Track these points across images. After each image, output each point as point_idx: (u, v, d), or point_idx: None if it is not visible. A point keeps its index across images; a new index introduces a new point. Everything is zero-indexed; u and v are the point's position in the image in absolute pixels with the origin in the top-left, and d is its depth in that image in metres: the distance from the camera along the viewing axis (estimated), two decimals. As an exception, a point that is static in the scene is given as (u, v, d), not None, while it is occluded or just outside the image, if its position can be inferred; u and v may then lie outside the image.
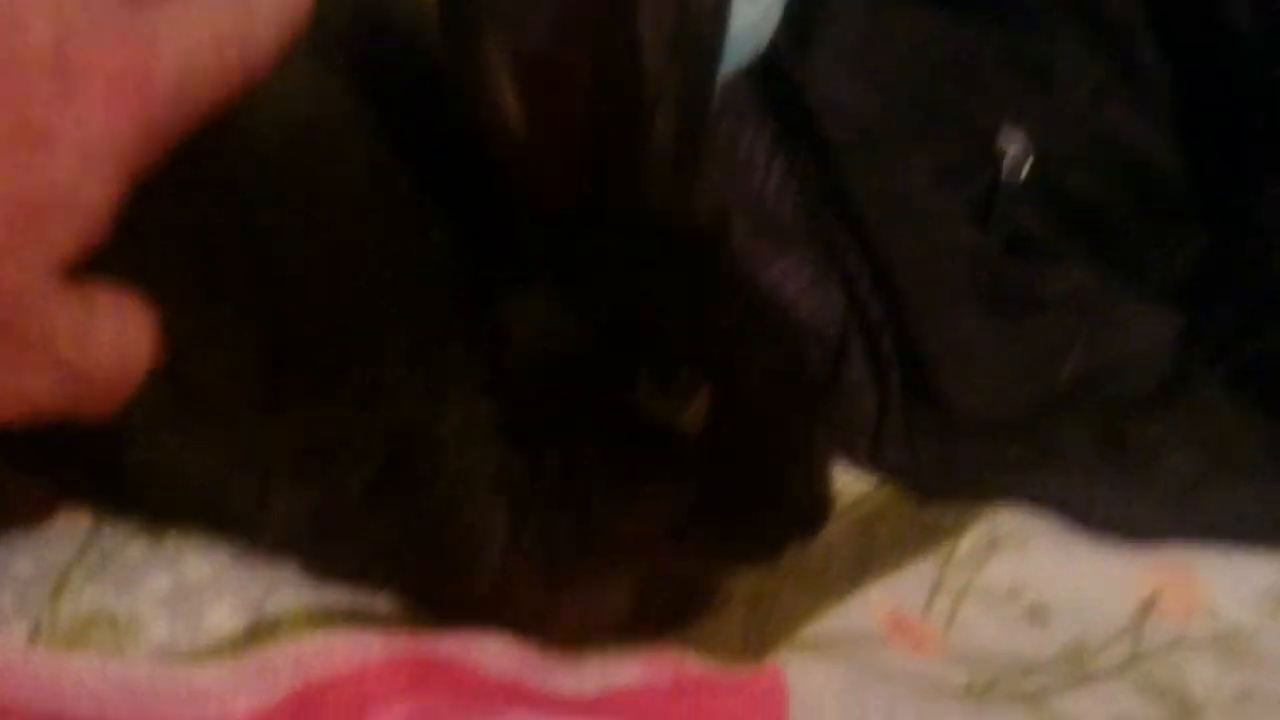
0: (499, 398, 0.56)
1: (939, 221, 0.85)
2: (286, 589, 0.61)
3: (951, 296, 0.84)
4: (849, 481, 0.82)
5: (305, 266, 0.55)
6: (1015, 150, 0.88)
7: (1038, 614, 0.75)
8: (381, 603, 0.63)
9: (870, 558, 0.76)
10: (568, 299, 0.56)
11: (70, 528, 0.62)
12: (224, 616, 0.60)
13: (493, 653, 0.62)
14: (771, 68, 0.86)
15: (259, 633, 0.59)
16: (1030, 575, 0.77)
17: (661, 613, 0.67)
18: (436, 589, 0.61)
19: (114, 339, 0.49)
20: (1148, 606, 0.76)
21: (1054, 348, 0.85)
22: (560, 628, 0.63)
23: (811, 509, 0.60)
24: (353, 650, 0.60)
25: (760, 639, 0.69)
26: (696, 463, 0.57)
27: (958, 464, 0.83)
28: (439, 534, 0.58)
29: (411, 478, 0.56)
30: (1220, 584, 0.78)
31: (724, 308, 0.59)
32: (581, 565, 0.59)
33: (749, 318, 0.59)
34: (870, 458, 0.82)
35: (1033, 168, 0.88)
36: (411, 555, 0.59)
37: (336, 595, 0.62)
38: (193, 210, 0.54)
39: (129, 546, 0.62)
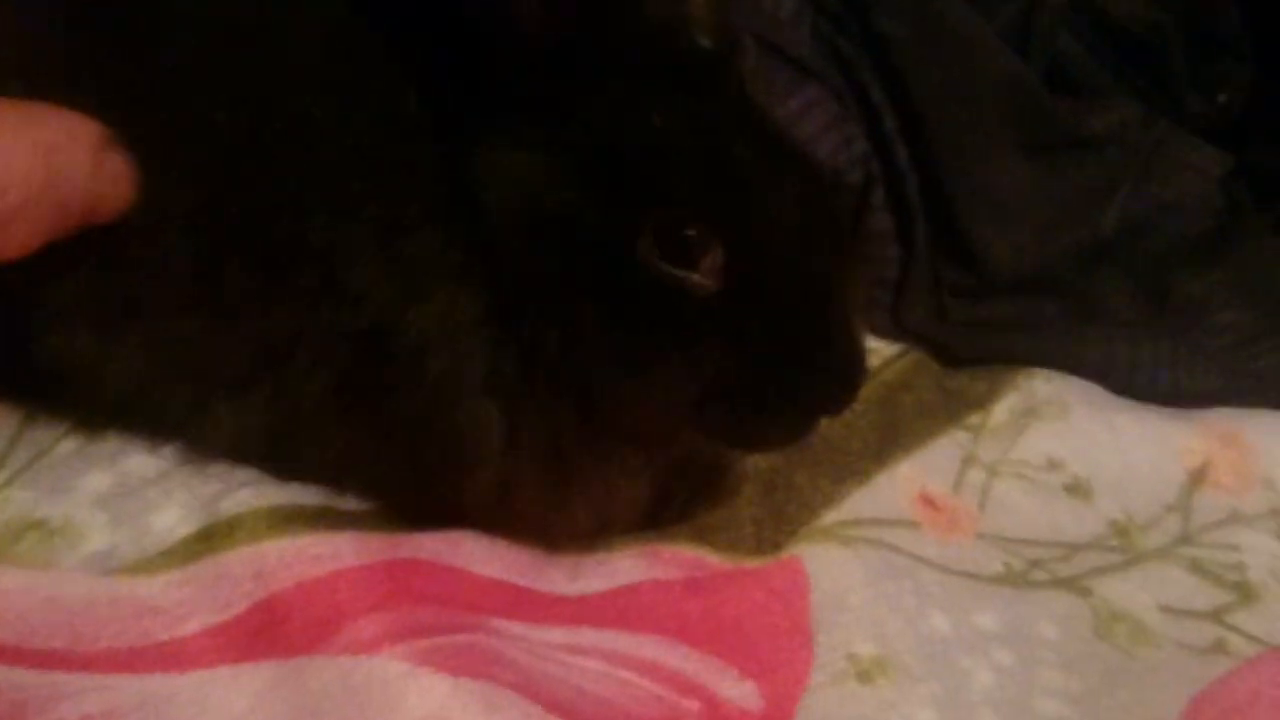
0: (481, 278, 0.49)
1: (974, 46, 0.75)
2: (244, 487, 0.54)
3: (986, 133, 0.75)
4: (871, 348, 0.74)
5: (246, 132, 0.48)
6: (1056, -34, 0.78)
7: (1079, 489, 0.69)
8: (354, 500, 0.56)
9: (896, 431, 0.69)
10: (549, 143, 0.49)
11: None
12: (173, 519, 0.53)
13: (480, 553, 0.56)
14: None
15: (214, 537, 0.52)
16: (1069, 447, 0.71)
17: (682, 501, 0.60)
18: (424, 499, 0.55)
19: None
20: (1197, 479, 0.70)
21: (1097, 191, 0.78)
22: (571, 531, 0.56)
23: (846, 373, 0.53)
24: (322, 555, 0.53)
25: (776, 529, 0.62)
26: (712, 329, 0.50)
27: (989, 325, 0.76)
28: (422, 443, 0.51)
29: (383, 383, 0.49)
30: (1275, 452, 0.72)
31: (734, 146, 0.51)
32: (591, 459, 0.53)
33: (764, 157, 0.52)
34: (893, 318, 0.75)
35: (1073, -11, 0.79)
36: (392, 465, 0.53)
37: (302, 492, 0.55)
38: (120, 56, 0.47)
39: (62, 443, 0.54)
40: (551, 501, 0.54)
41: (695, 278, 0.49)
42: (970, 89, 0.75)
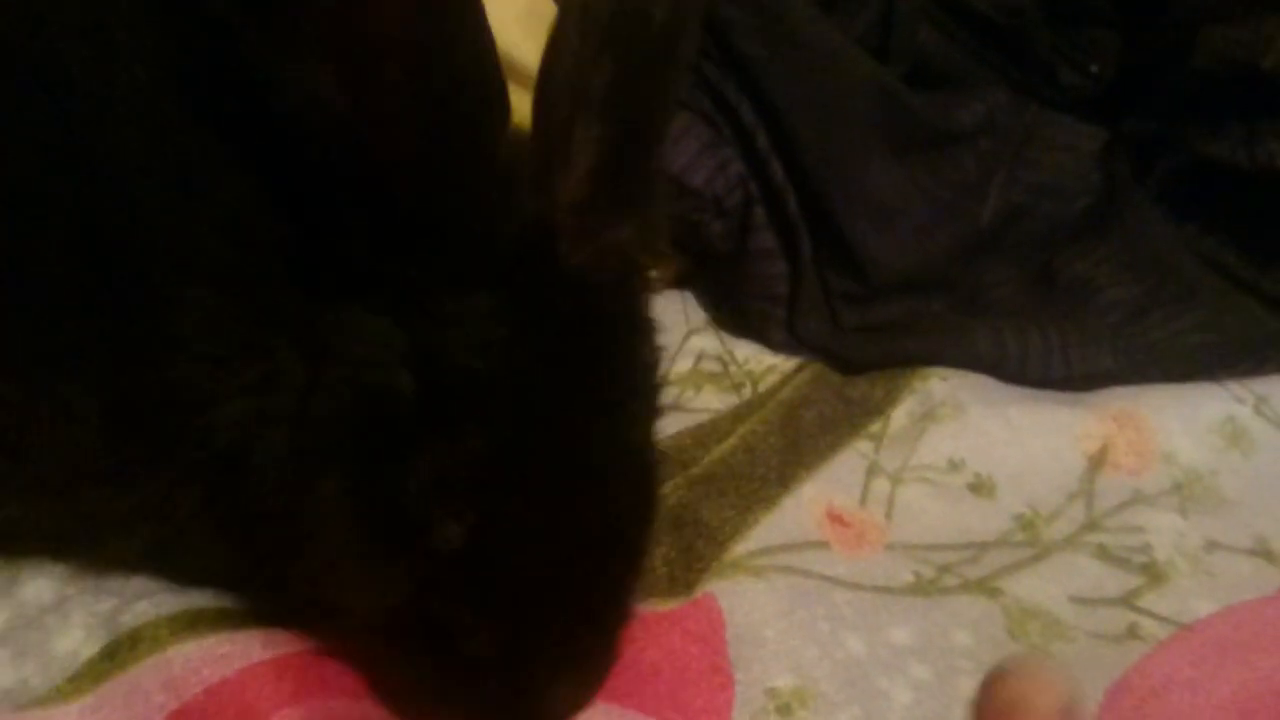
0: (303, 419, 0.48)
1: (833, 55, 0.77)
2: (141, 599, 0.55)
3: (855, 140, 0.77)
4: (768, 366, 0.77)
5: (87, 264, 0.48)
6: (909, -38, 0.80)
7: (981, 487, 0.71)
8: (256, 598, 0.57)
9: (799, 450, 0.71)
10: (397, 327, 0.48)
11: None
12: (76, 642, 0.54)
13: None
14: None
15: (118, 653, 0.53)
16: (968, 446, 0.73)
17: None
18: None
19: None
20: (1097, 463, 0.73)
21: (972, 184, 0.80)
22: None
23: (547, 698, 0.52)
24: (230, 653, 0.54)
25: (688, 567, 0.64)
26: (432, 584, 0.49)
27: (881, 328, 0.78)
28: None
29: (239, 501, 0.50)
30: (1171, 425, 0.75)
31: (562, 420, 0.49)
32: None
33: (593, 427, 0.50)
34: (788, 332, 0.77)
35: (929, -18, 0.80)
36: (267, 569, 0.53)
37: (202, 595, 0.56)
38: None
39: (-50, 581, 0.55)
40: None
41: (441, 530, 0.48)
42: (833, 99, 0.77)
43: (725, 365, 0.77)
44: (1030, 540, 0.69)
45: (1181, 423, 0.75)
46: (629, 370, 0.53)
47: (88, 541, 0.55)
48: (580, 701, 0.53)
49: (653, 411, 0.55)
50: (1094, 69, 0.88)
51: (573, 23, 0.45)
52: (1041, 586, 0.66)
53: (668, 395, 0.73)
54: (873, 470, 0.71)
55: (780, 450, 0.71)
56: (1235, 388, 0.77)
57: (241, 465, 0.48)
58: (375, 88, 0.43)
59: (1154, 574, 0.67)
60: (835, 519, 0.68)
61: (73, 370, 0.49)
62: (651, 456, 0.54)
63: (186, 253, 0.48)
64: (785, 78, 0.75)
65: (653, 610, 0.61)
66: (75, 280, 0.48)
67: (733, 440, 0.72)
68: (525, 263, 0.48)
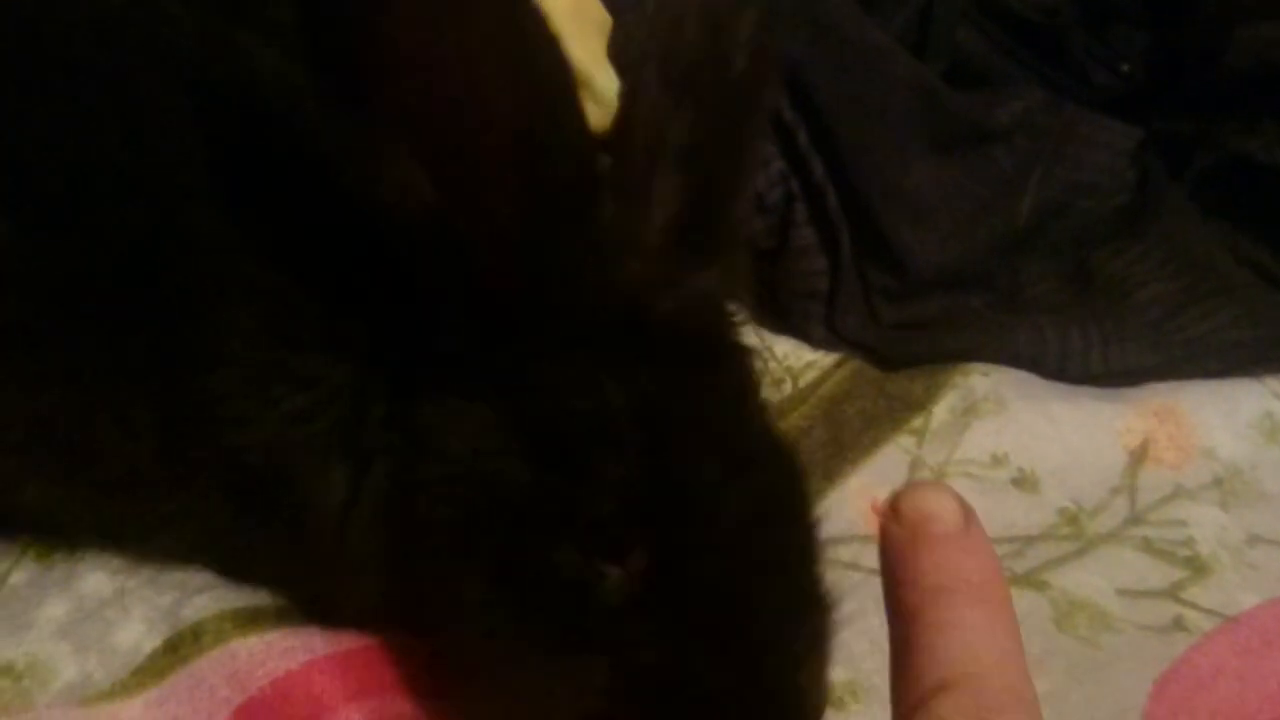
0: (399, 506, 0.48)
1: (872, 53, 0.78)
2: (201, 593, 0.56)
3: (894, 138, 0.78)
4: (808, 362, 0.77)
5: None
6: (947, -39, 0.81)
7: (1025, 481, 0.72)
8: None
9: (842, 445, 0.72)
10: (498, 402, 0.47)
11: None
12: (138, 635, 0.54)
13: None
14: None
15: (181, 646, 0.54)
16: (1012, 440, 0.73)
17: None
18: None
19: None
20: (1139, 458, 0.73)
21: (1011, 180, 0.80)
22: None
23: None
24: (293, 647, 0.54)
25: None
26: (615, 639, 0.47)
27: (920, 325, 0.78)
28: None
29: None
30: (1210, 420, 0.75)
31: (686, 443, 0.48)
32: None
33: (719, 456, 0.48)
34: (827, 329, 0.78)
35: (966, -18, 0.81)
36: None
37: (262, 594, 0.56)
38: None
39: (14, 574, 0.56)
40: None
41: (610, 577, 0.46)
42: (873, 96, 0.77)
43: (765, 361, 0.78)
44: (1075, 534, 0.69)
45: (1221, 418, 0.75)
46: (735, 401, 0.51)
47: (142, 538, 0.56)
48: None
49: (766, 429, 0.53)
50: (1125, 68, 0.89)
51: (653, 69, 0.45)
52: (1088, 579, 0.67)
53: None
54: (916, 465, 0.72)
55: (823, 444, 0.71)
56: (1273, 383, 0.78)
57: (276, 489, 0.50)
58: (471, 174, 0.42)
59: (1198, 567, 0.68)
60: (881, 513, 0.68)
61: (126, 382, 0.50)
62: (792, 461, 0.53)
63: (231, 274, 0.49)
64: (826, 75, 0.76)
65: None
66: (126, 298, 0.49)
67: (775, 435, 0.72)
68: (614, 318, 0.47)
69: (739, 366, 0.52)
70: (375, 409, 0.48)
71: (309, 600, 0.56)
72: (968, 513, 0.40)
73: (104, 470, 0.52)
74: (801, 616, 0.49)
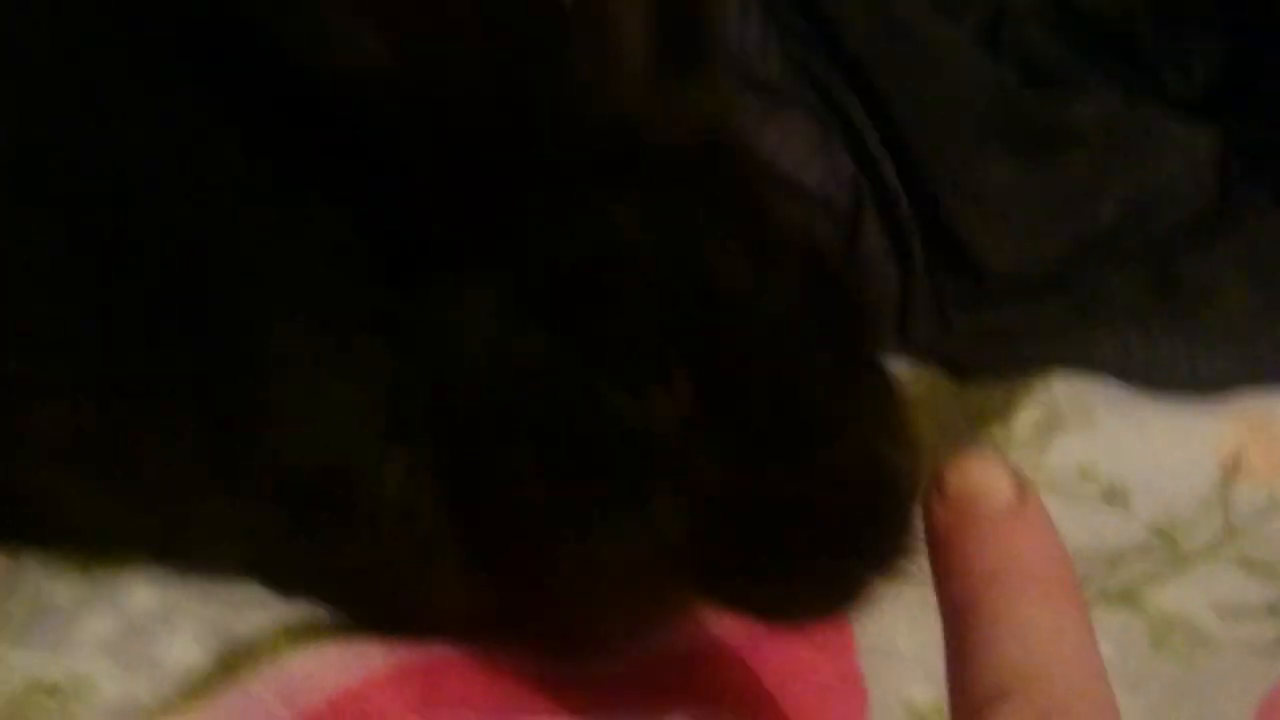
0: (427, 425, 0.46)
1: (945, 53, 0.76)
2: (253, 607, 0.53)
3: (969, 139, 0.76)
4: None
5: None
6: (1020, -40, 0.78)
7: (1115, 495, 0.68)
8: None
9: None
10: (500, 272, 0.44)
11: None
12: (186, 649, 0.51)
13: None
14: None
15: (233, 661, 0.51)
16: (1099, 453, 0.70)
17: None
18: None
19: None
20: (1232, 470, 0.70)
21: (1090, 184, 0.78)
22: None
23: (872, 510, 0.45)
24: (350, 665, 0.51)
25: (813, 577, 0.61)
26: (677, 473, 0.44)
27: (996, 333, 0.75)
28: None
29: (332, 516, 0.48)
30: (1304, 431, 0.72)
31: (706, 248, 0.44)
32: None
33: (745, 256, 0.44)
34: (899, 338, 0.75)
35: (1039, -16, 0.79)
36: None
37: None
38: None
39: (54, 590, 0.53)
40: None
41: (656, 409, 0.43)
42: (946, 97, 0.75)
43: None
44: (1169, 550, 0.66)
45: (1314, 426, 0.72)
46: (748, 200, 0.47)
47: (189, 551, 0.53)
48: None
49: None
50: (1199, 75, 0.86)
51: None
52: (1185, 597, 0.63)
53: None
54: (998, 479, 0.68)
55: (898, 458, 0.68)
56: (1365, 390, 0.75)
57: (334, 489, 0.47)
58: (426, 26, 0.40)
59: (1300, 582, 0.65)
60: (962, 527, 0.66)
61: (170, 391, 0.48)
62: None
63: (271, 271, 0.47)
64: (897, 76, 0.74)
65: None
66: (168, 304, 0.47)
67: (848, 450, 0.69)
68: (605, 149, 0.44)
69: (746, 166, 0.49)
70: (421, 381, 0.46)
71: (375, 613, 0.53)
72: (1023, 487, 0.36)
73: (148, 484, 0.50)
74: (862, 386, 0.45)
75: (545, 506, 0.45)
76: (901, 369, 0.74)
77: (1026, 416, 0.71)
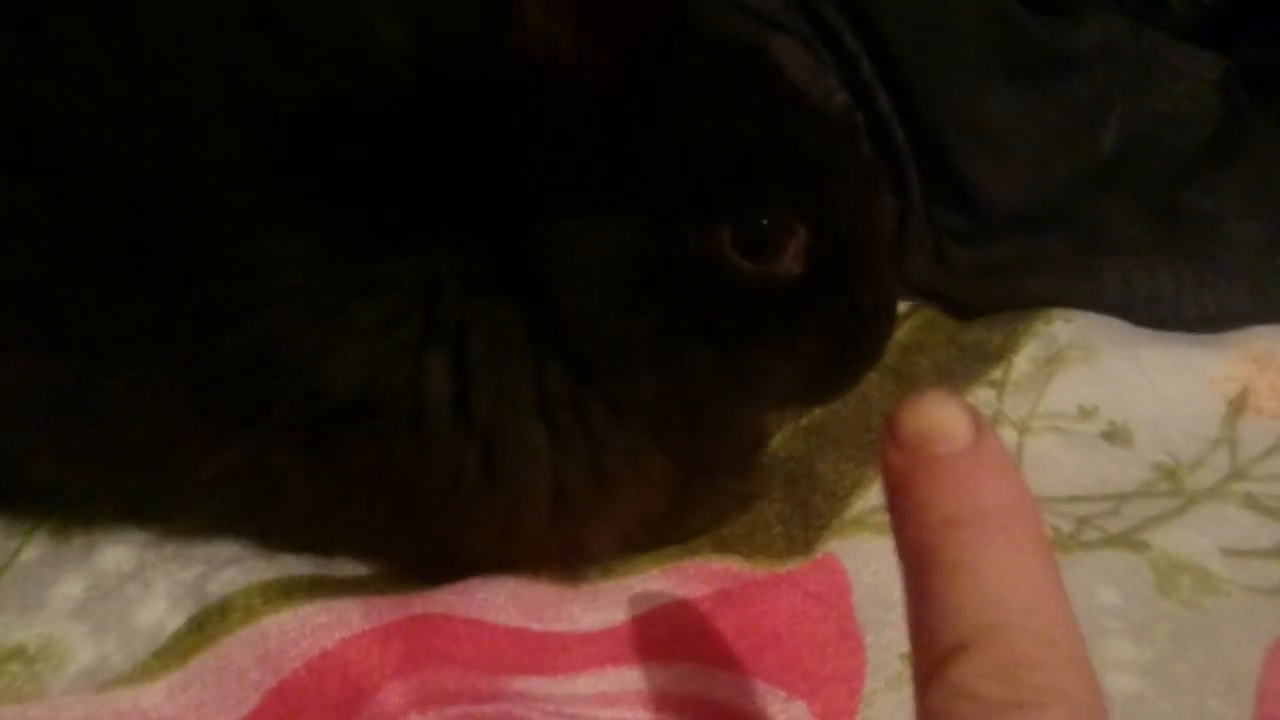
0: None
1: (942, -23, 0.72)
2: (229, 565, 0.51)
3: (968, 65, 0.73)
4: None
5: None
6: (1018, -122, 0.75)
7: (1117, 435, 0.66)
8: (350, 564, 0.53)
9: (915, 399, 0.66)
10: (608, 195, 0.46)
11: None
12: (160, 613, 0.50)
13: (495, 600, 0.53)
14: None
15: (207, 624, 0.49)
16: (1101, 392, 0.68)
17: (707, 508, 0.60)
18: (425, 549, 0.53)
19: None
20: (1238, 407, 0.68)
21: (1092, 111, 0.75)
22: (595, 554, 0.56)
23: (883, 323, 0.53)
24: (328, 623, 0.50)
25: (805, 525, 0.60)
26: (805, 312, 0.50)
27: (995, 269, 0.73)
28: (415, 489, 0.48)
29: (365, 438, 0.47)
30: (1313, 366, 0.70)
31: (782, 122, 0.49)
32: (629, 475, 0.52)
33: (808, 123, 0.50)
34: (895, 275, 0.72)
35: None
36: (383, 519, 0.51)
37: (294, 563, 0.52)
38: None
39: (25, 551, 0.51)
40: (580, 528, 0.53)
41: (781, 266, 0.48)
42: (945, 21, 0.72)
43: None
44: (1173, 490, 0.64)
45: (1325, 359, 0.70)
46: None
47: (170, 508, 0.52)
48: None
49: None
50: (1207, -2, 0.83)
51: None
52: (1189, 539, 0.61)
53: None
54: (997, 420, 0.67)
55: (895, 398, 0.66)
56: (1376, 324, 0.72)
57: (369, 412, 0.46)
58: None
59: (1308, 523, 0.63)
60: (961, 472, 0.64)
61: (152, 340, 0.46)
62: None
63: (267, 205, 0.46)
64: (892, 1, 0.70)
65: (770, 572, 0.57)
66: (146, 246, 0.46)
67: (844, 388, 0.68)
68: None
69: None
70: (449, 286, 0.47)
71: (399, 555, 0.53)
72: (979, 424, 0.34)
73: (129, 440, 0.48)
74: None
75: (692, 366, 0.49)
76: (899, 306, 0.73)
77: (1026, 355, 0.70)
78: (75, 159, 0.46)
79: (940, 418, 0.34)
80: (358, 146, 0.46)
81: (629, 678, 0.52)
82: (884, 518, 0.58)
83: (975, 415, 0.34)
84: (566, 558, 0.54)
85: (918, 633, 0.33)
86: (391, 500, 0.49)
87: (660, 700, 0.52)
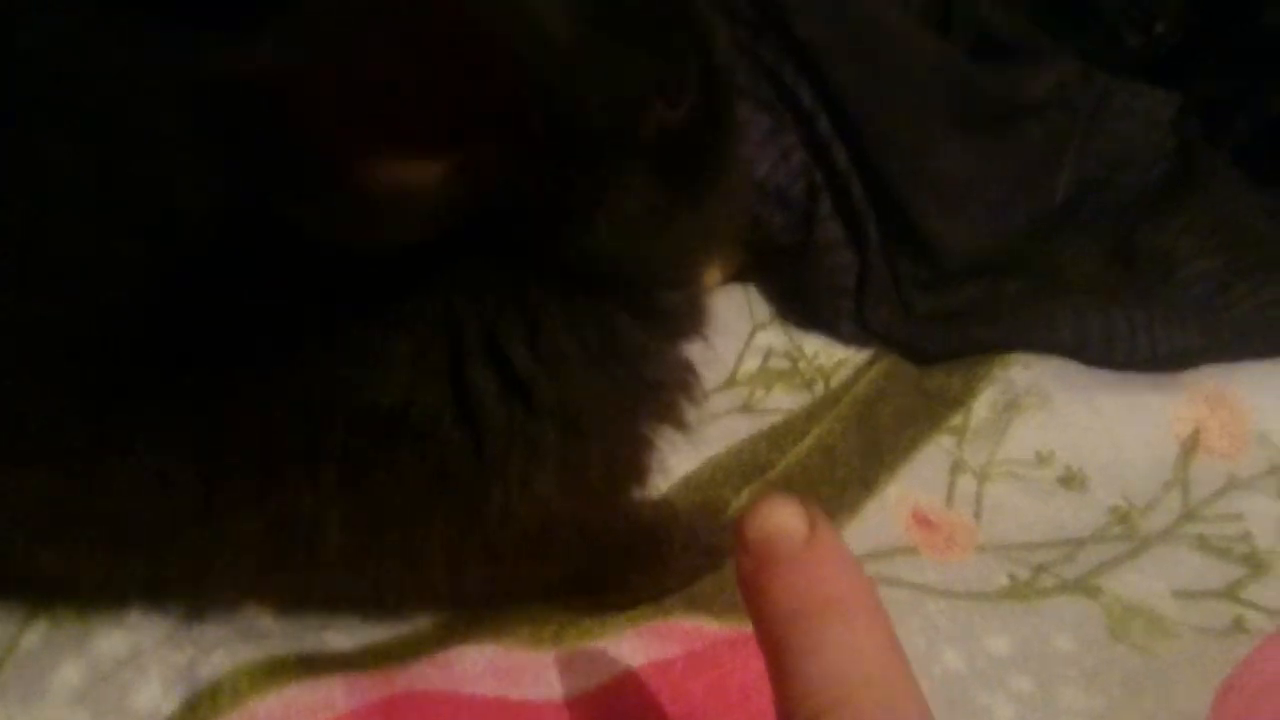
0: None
1: (893, 35, 0.74)
2: (217, 648, 0.54)
3: (920, 118, 0.75)
4: (839, 360, 0.75)
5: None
6: (968, -68, 0.77)
7: (1073, 480, 0.69)
8: (335, 638, 0.56)
9: (879, 449, 0.69)
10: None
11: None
12: (155, 698, 0.53)
13: (472, 671, 0.56)
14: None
15: (199, 708, 0.52)
16: (1057, 436, 0.71)
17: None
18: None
19: None
20: (1190, 448, 0.71)
21: (1045, 157, 0.78)
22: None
23: None
24: (313, 703, 0.53)
25: (775, 582, 0.62)
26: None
27: (955, 315, 0.76)
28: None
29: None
30: (1264, 404, 0.73)
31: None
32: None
33: None
34: (857, 324, 0.75)
35: (988, -49, 0.78)
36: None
37: (280, 642, 0.55)
38: None
39: (25, 636, 0.54)
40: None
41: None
42: (895, 77, 0.74)
43: (794, 361, 0.76)
44: (1127, 534, 0.67)
45: (1274, 401, 0.73)
46: None
47: (199, 583, 0.54)
48: None
49: None
50: (1159, 28, 0.85)
51: None
52: (1142, 582, 0.64)
53: (737, 397, 0.72)
54: (957, 467, 0.69)
55: (859, 450, 0.69)
56: (1328, 359, 0.75)
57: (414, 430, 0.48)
58: None
59: (1256, 563, 0.66)
60: (922, 521, 0.66)
61: (153, 436, 0.47)
62: None
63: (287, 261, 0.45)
64: (845, 58, 0.72)
65: (738, 630, 0.60)
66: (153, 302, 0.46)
67: (809, 441, 0.70)
68: None
69: None
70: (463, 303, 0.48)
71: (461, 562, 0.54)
72: (814, 520, 0.38)
73: (143, 529, 0.49)
74: None
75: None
76: (859, 358, 0.75)
77: (985, 401, 0.72)
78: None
79: (778, 520, 0.39)
80: None
81: (605, 746, 0.55)
82: (848, 571, 0.62)
83: (810, 512, 0.39)
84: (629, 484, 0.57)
85: (781, 712, 0.37)
86: (452, 508, 0.51)
87: (634, 765, 0.55)
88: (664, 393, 0.54)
